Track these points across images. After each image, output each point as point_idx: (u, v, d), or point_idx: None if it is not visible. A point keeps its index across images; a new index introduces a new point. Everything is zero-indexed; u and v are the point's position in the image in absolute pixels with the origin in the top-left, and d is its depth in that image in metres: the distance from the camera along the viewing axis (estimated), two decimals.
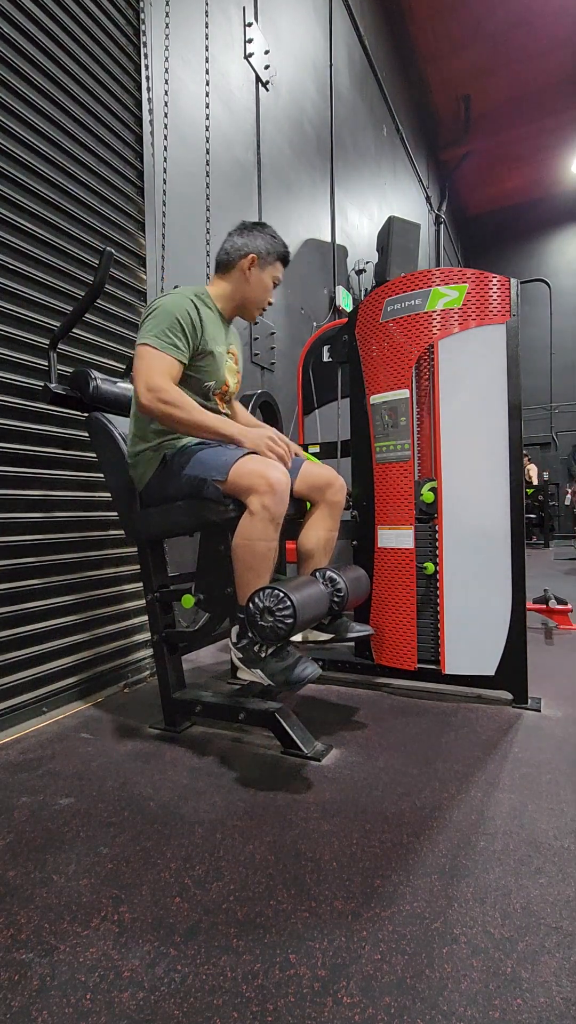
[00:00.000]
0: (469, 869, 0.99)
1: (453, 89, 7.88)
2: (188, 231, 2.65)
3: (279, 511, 1.35)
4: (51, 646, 1.82)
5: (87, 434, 1.77)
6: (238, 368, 1.69)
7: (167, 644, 1.63)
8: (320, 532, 1.66)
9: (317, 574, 1.61)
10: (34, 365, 1.80)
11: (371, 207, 5.65)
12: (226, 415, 1.68)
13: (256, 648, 1.37)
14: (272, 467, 1.36)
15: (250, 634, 1.37)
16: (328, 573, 1.60)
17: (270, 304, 1.67)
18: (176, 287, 1.59)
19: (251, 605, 1.34)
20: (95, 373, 1.67)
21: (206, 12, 2.80)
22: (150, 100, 2.36)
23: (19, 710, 1.67)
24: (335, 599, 1.57)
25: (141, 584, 2.19)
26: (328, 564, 1.70)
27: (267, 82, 3.46)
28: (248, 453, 1.40)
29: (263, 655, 1.36)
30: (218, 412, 1.62)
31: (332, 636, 1.63)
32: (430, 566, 1.85)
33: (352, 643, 1.63)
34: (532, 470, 8.67)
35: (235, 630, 1.42)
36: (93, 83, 2.05)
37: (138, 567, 2.05)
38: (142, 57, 2.32)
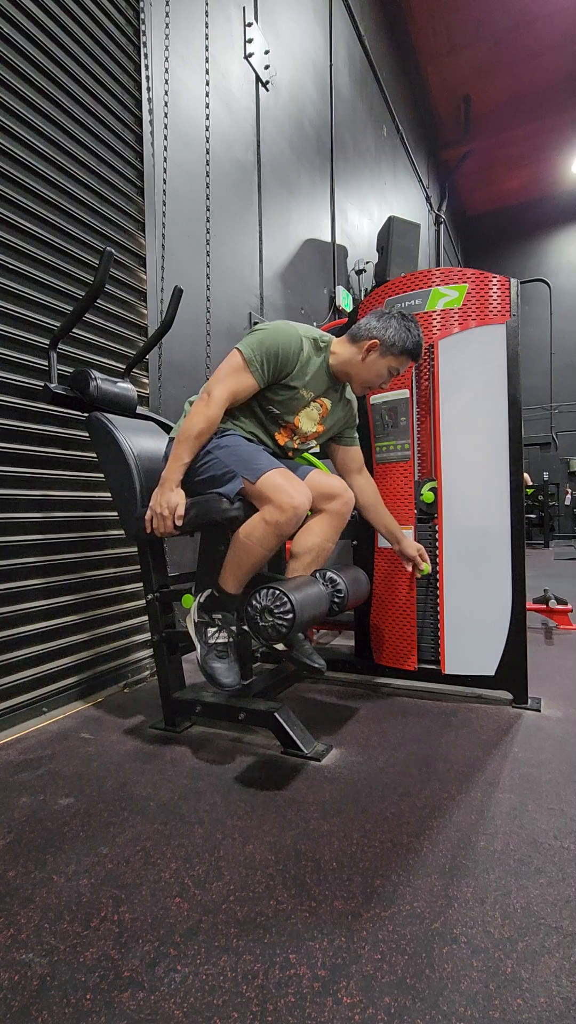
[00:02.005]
0: (469, 869, 0.99)
1: (453, 89, 7.87)
2: (188, 231, 2.65)
3: (288, 531, 1.40)
4: (51, 646, 1.82)
5: (87, 434, 1.76)
6: (320, 420, 1.66)
7: (167, 644, 1.63)
8: (315, 539, 1.60)
9: (317, 574, 1.61)
10: (34, 365, 1.80)
11: (371, 207, 5.64)
12: (295, 450, 1.70)
13: (208, 632, 1.51)
14: (301, 491, 1.40)
15: (215, 616, 1.51)
16: (328, 573, 1.60)
17: (382, 388, 1.68)
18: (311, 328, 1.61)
19: (250, 607, 1.36)
20: (95, 373, 1.66)
21: (206, 12, 2.80)
22: (150, 100, 2.36)
23: (19, 710, 1.67)
24: (335, 599, 1.56)
25: (141, 584, 2.19)
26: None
27: (267, 82, 3.46)
28: (279, 469, 1.43)
29: (211, 641, 1.50)
30: (273, 440, 1.64)
31: (286, 651, 1.52)
32: (426, 567, 1.84)
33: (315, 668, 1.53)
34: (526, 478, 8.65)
35: (206, 593, 1.53)
36: (93, 83, 2.05)
37: (138, 567, 2.05)
38: (142, 57, 2.32)
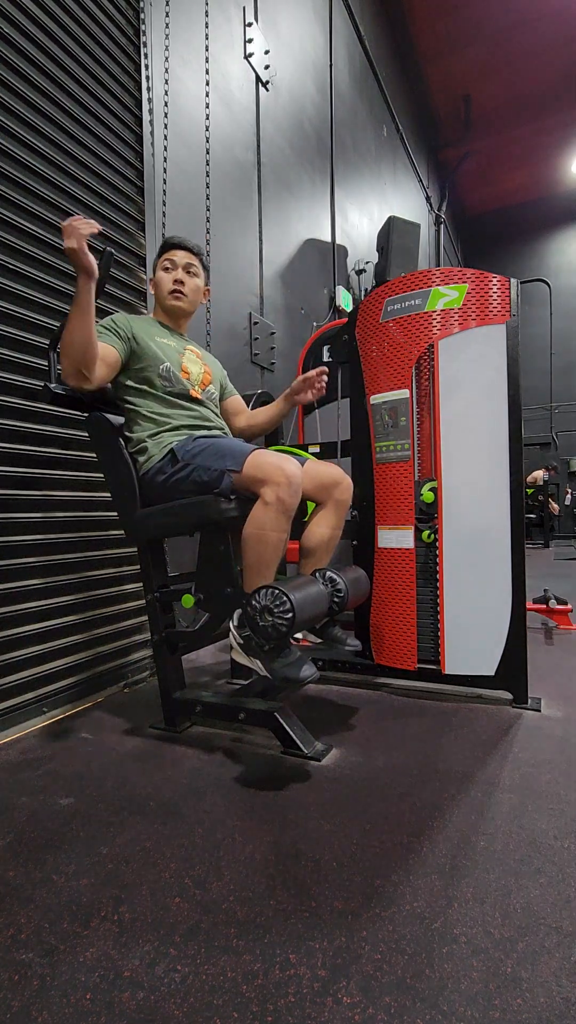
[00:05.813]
0: (469, 869, 0.99)
1: (453, 89, 7.88)
2: (188, 231, 2.65)
3: (293, 503, 1.38)
4: (51, 646, 1.82)
5: (87, 434, 1.76)
6: (202, 360, 1.78)
7: (167, 644, 1.63)
8: (324, 530, 1.66)
9: (317, 574, 1.61)
10: (34, 365, 1.80)
11: (371, 207, 5.64)
12: (203, 406, 1.73)
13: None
14: (288, 461, 1.39)
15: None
16: (328, 573, 1.61)
17: (179, 284, 1.72)
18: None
19: (250, 607, 1.35)
20: None
21: (206, 12, 2.80)
22: (150, 100, 2.36)
23: (19, 710, 1.67)
24: (335, 599, 1.57)
25: (141, 584, 2.19)
26: (328, 563, 1.70)
27: (267, 82, 3.46)
28: (257, 449, 1.42)
29: (265, 648, 1.37)
30: (198, 403, 1.69)
31: (321, 641, 1.62)
32: (428, 534, 1.85)
33: (349, 652, 1.63)
34: (538, 475, 8.62)
35: (238, 613, 1.45)
36: (93, 83, 2.05)
37: (138, 567, 2.05)
38: (142, 57, 2.32)
